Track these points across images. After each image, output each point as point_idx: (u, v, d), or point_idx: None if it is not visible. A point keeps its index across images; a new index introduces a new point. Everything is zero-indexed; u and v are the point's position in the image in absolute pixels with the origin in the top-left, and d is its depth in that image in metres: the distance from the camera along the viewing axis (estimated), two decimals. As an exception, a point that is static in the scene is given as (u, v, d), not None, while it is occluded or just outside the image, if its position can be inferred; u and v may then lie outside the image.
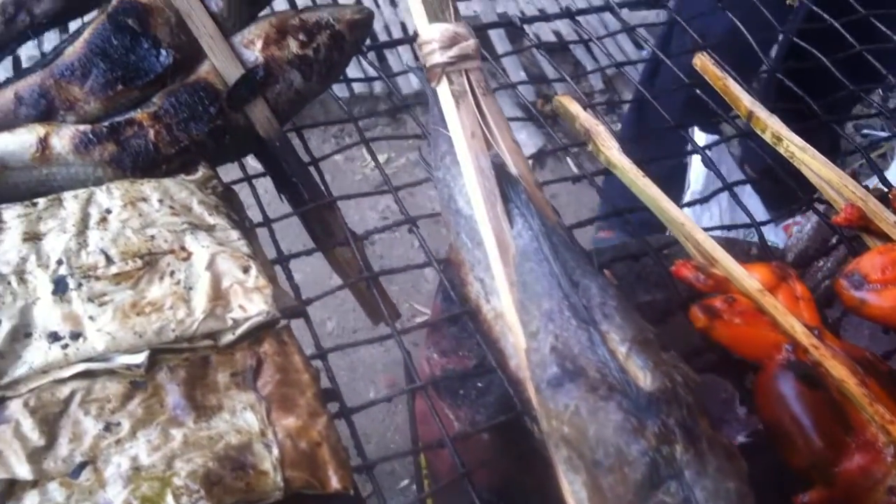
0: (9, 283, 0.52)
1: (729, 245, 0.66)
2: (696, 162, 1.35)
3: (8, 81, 0.64)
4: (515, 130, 0.67)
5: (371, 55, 0.85)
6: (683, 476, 0.42)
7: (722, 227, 1.05)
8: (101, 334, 0.51)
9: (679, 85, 0.88)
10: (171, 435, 0.47)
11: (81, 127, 0.61)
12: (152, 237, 0.56)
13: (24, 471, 0.45)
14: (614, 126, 1.76)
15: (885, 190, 0.71)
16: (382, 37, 2.01)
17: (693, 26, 0.94)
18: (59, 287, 0.52)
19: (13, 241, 0.55)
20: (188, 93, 0.63)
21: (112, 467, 0.46)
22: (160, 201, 0.59)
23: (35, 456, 0.46)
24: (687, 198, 1.35)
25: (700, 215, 1.29)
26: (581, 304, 0.49)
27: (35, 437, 0.46)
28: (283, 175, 0.69)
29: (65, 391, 0.49)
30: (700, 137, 1.11)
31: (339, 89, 0.82)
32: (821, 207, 0.74)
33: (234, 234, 0.58)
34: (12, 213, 0.57)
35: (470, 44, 0.62)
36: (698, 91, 0.84)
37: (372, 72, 0.86)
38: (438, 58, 0.61)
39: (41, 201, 0.58)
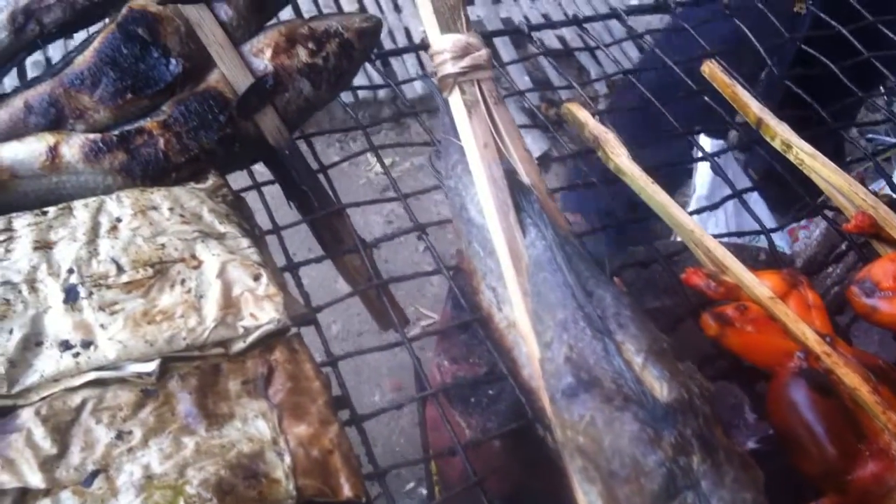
0: (20, 291, 0.52)
1: (737, 251, 0.66)
2: (701, 167, 1.34)
3: (17, 90, 0.64)
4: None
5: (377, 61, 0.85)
6: (700, 487, 0.42)
7: (731, 234, 1.05)
8: (112, 343, 0.50)
9: (686, 91, 0.88)
10: (183, 443, 0.47)
11: (91, 136, 0.61)
12: (163, 246, 0.56)
13: (36, 479, 0.45)
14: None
15: (894, 196, 0.71)
16: (386, 41, 2.01)
17: (699, 33, 0.93)
18: (70, 296, 0.52)
19: (24, 249, 0.55)
20: (198, 101, 0.63)
21: (124, 476, 0.46)
22: (170, 210, 0.59)
23: (47, 464, 0.46)
24: (693, 203, 1.34)
25: (706, 221, 1.28)
26: (595, 314, 0.49)
27: (47, 445, 0.46)
28: (292, 183, 0.69)
29: (76, 400, 0.49)
30: (706, 143, 1.11)
31: (343, 95, 0.82)
32: (829, 213, 0.74)
33: (245, 242, 0.58)
34: (23, 221, 0.57)
35: (482, 54, 0.62)
36: (706, 98, 0.84)
37: (377, 78, 0.86)
38: (450, 68, 0.61)
39: (51, 210, 0.58)
